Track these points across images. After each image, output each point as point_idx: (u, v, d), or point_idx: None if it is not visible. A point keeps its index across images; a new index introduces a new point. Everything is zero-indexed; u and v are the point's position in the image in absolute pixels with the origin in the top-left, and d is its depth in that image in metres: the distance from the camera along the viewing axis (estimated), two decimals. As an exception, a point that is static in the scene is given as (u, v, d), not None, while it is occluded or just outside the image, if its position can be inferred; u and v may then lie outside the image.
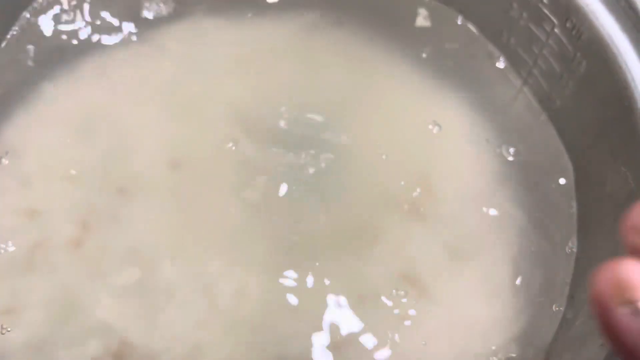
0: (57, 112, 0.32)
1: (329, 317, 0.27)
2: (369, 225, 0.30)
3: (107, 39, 0.34)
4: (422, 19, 0.33)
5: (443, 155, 0.32)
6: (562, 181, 0.29)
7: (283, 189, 0.30)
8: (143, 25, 0.34)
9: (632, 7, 0.24)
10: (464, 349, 0.27)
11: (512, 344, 0.27)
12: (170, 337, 0.27)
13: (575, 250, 0.27)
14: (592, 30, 0.26)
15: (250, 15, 0.35)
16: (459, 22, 0.33)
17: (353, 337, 0.27)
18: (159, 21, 0.34)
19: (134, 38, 0.33)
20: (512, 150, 0.31)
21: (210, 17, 0.34)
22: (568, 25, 0.27)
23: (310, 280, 0.28)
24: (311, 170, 0.31)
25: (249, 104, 0.32)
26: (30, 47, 0.34)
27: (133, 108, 0.32)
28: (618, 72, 0.24)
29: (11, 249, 0.29)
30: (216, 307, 0.28)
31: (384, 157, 0.31)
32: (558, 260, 0.27)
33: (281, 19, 0.35)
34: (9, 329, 0.27)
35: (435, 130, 0.32)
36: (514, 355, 0.26)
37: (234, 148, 0.31)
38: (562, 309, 0.26)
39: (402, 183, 0.31)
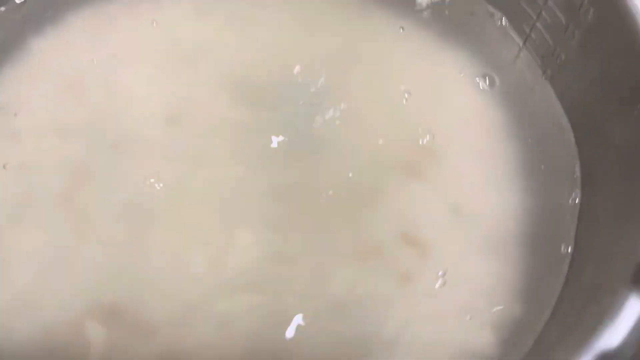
0: (47, 67, 0.31)
1: (328, 274, 0.27)
2: (368, 185, 0.29)
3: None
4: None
5: (443, 114, 0.31)
6: (564, 136, 0.28)
7: (280, 147, 0.30)
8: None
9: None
10: (467, 306, 0.26)
11: (516, 300, 0.26)
12: (163, 294, 0.26)
13: (578, 202, 0.26)
14: (600, -25, 0.25)
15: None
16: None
17: (352, 295, 0.26)
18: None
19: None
20: (514, 108, 0.30)
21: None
22: (575, -29, 0.26)
23: (309, 238, 0.28)
24: (309, 130, 0.30)
25: (244, 62, 0.31)
26: (19, 2, 0.33)
27: (125, 63, 0.31)
28: (627, 17, 0.24)
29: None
30: (212, 265, 0.27)
31: (383, 116, 0.31)
32: (562, 213, 0.27)
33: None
34: None
35: (436, 89, 0.31)
36: (518, 311, 0.25)
37: (229, 106, 0.30)
38: (566, 263, 0.25)
39: (402, 143, 0.30)
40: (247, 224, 0.28)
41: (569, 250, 0.26)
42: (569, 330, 0.19)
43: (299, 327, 0.25)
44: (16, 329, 0.25)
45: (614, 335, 0.16)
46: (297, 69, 0.31)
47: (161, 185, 0.28)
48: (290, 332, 0.25)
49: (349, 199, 0.28)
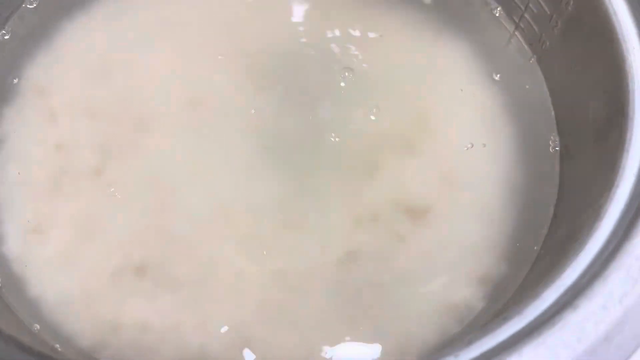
0: (77, 52, 0.34)
1: (332, 236, 0.30)
2: (368, 158, 0.32)
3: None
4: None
5: (440, 96, 0.34)
6: (547, 113, 0.31)
7: (290, 125, 0.33)
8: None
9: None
10: (457, 267, 0.29)
11: (501, 260, 0.29)
12: (186, 252, 0.29)
13: (557, 170, 0.29)
14: (578, -30, 0.28)
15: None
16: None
17: (354, 254, 0.29)
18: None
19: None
20: (504, 91, 0.33)
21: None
22: (557, -34, 0.29)
23: (314, 205, 0.31)
24: (315, 109, 0.33)
25: (258, 45, 0.34)
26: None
27: (148, 48, 0.34)
28: (601, 8, 0.26)
29: (39, 175, 0.31)
30: (230, 227, 0.30)
31: (384, 96, 0.33)
32: (543, 186, 0.30)
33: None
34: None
35: (434, 73, 0.34)
36: (503, 269, 0.28)
37: (244, 88, 0.33)
38: (546, 226, 0.28)
39: (401, 121, 0.33)
40: (260, 195, 0.31)
41: (550, 213, 0.29)
42: (541, 279, 0.22)
43: (304, 280, 0.28)
44: (57, 280, 0.28)
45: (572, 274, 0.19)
46: (310, 49, 0.34)
47: (180, 159, 0.32)
48: (296, 284, 0.28)
49: (351, 171, 0.31)
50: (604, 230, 0.20)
